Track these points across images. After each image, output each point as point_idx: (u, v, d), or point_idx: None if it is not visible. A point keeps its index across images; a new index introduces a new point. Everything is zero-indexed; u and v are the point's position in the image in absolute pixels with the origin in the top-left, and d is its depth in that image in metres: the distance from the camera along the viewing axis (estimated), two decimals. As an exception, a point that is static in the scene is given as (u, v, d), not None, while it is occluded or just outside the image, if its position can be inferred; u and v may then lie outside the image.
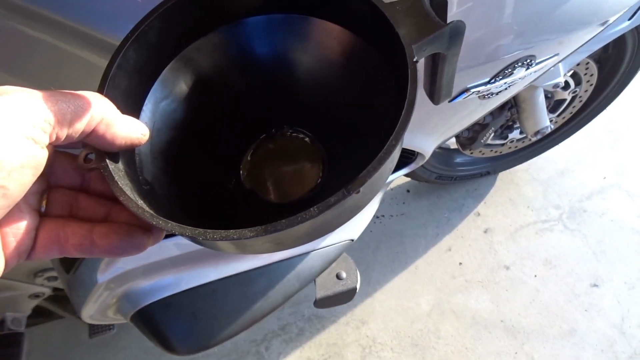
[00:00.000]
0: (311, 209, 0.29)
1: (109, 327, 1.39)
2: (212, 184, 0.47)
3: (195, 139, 0.46)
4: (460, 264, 1.82)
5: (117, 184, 0.33)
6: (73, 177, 0.36)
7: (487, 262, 1.82)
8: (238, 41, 0.45)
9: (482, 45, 0.80)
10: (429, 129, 0.97)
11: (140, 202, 0.34)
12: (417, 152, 1.05)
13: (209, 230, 0.30)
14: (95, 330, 1.38)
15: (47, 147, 0.30)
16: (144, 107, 0.41)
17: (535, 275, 1.77)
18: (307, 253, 1.03)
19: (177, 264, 0.89)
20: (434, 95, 0.43)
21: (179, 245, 0.86)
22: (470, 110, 0.98)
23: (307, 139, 0.50)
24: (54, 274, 1.13)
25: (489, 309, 1.71)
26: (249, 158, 0.50)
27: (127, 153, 0.38)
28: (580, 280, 1.75)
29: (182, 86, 0.44)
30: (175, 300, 0.91)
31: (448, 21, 0.36)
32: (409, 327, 1.69)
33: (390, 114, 0.33)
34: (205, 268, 0.93)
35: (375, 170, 0.30)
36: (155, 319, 0.91)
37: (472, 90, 0.84)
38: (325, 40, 0.44)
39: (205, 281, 0.93)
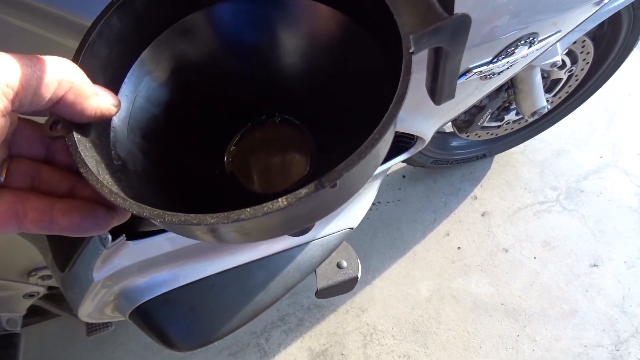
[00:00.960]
0: (279, 199, 0.27)
1: (106, 325, 1.37)
2: (194, 169, 0.45)
3: (178, 119, 0.44)
4: (459, 248, 1.81)
5: (80, 154, 0.31)
6: (37, 147, 0.34)
7: (485, 246, 1.81)
8: (226, 20, 0.43)
9: (479, 25, 0.78)
10: (429, 112, 0.95)
11: (106, 177, 0.32)
12: (417, 137, 1.03)
13: (168, 213, 0.28)
14: (92, 328, 1.36)
15: (9, 114, 0.28)
16: (126, 80, 0.39)
17: (535, 257, 1.77)
18: (307, 243, 1.01)
19: (174, 259, 0.88)
20: (435, 94, 0.41)
21: (175, 240, 0.84)
22: (471, 92, 0.96)
23: (296, 128, 0.48)
24: (47, 272, 1.11)
25: (489, 292, 1.70)
26: (234, 145, 0.48)
27: (101, 125, 0.36)
28: (579, 260, 1.75)
29: (168, 63, 0.42)
30: (173, 296, 0.90)
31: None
32: (409, 313, 1.68)
33: (383, 106, 0.30)
34: (203, 262, 0.92)
35: (353, 164, 0.28)
36: (154, 315, 0.89)
37: (474, 70, 0.83)
38: (318, 23, 0.42)
39: (203, 275, 0.92)
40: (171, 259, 0.87)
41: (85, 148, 0.32)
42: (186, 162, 0.44)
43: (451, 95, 0.41)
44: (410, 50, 0.31)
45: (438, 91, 0.40)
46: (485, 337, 1.62)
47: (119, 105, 0.35)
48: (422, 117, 0.95)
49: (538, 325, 1.63)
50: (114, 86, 0.38)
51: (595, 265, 1.73)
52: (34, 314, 1.38)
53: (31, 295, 1.18)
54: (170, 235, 0.83)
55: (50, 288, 1.21)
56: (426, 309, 1.69)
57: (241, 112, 0.48)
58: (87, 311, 0.91)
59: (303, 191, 0.27)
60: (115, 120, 0.37)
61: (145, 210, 0.29)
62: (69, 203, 0.32)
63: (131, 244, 0.79)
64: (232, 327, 0.92)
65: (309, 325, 1.69)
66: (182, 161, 0.43)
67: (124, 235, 0.77)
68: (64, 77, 0.30)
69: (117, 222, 0.34)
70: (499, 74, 0.90)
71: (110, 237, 0.75)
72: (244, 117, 0.48)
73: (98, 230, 0.33)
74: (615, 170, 1.95)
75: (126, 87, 0.39)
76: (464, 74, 0.83)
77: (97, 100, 0.32)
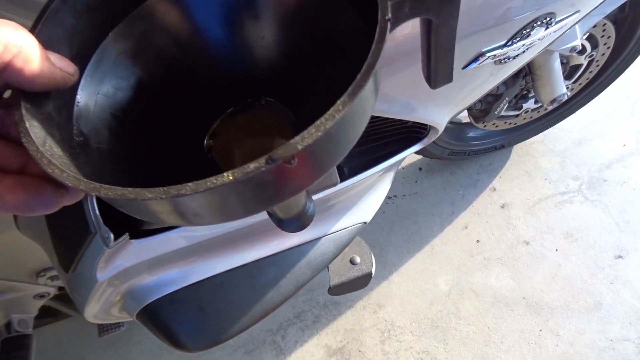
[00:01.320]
0: (224, 173, 0.24)
1: (118, 325, 1.37)
2: (169, 153, 0.42)
3: (153, 98, 0.41)
4: (478, 241, 1.77)
5: (25, 124, 0.29)
6: None
7: (505, 238, 1.77)
8: None
9: (492, 6, 0.74)
10: (442, 100, 0.92)
11: (55, 150, 0.30)
12: (430, 126, 0.99)
13: (104, 186, 0.26)
14: (104, 328, 1.35)
15: None
16: (96, 55, 0.36)
17: (557, 250, 1.72)
18: (318, 239, 0.99)
19: (181, 257, 0.86)
20: (430, 77, 0.38)
21: (181, 237, 0.83)
22: (485, 78, 0.92)
23: (280, 111, 0.45)
24: (56, 273, 1.10)
25: (510, 286, 1.66)
26: (215, 129, 0.45)
27: (63, 98, 0.33)
28: (603, 252, 1.69)
29: (143, 40, 0.39)
30: (181, 295, 0.88)
31: None
32: (428, 308, 1.65)
33: None
34: (211, 260, 0.90)
35: (310, 137, 0.25)
36: (162, 316, 0.88)
37: (488, 54, 0.79)
38: None
39: (212, 274, 0.90)
40: (178, 257, 0.86)
41: (34, 119, 0.30)
42: (160, 146, 0.41)
43: (448, 78, 0.37)
44: (387, 17, 0.28)
45: (433, 73, 0.37)
46: (507, 332, 1.58)
47: (75, 75, 0.33)
48: (434, 105, 0.91)
49: (561, 319, 1.58)
50: (82, 60, 0.35)
51: (620, 256, 1.68)
52: (47, 315, 1.38)
53: (42, 296, 1.17)
54: (176, 232, 0.81)
55: (60, 288, 1.20)
56: (445, 304, 1.66)
57: (224, 94, 0.45)
58: (93, 312, 0.89)
59: (252, 165, 0.24)
60: (81, 95, 0.35)
61: (82, 184, 0.26)
62: (16, 180, 0.30)
63: (135, 242, 0.78)
64: (242, 327, 0.91)
65: (325, 322, 1.66)
66: (155, 145, 0.41)
67: (127, 234, 0.75)
68: (10, 41, 0.27)
69: (67, 202, 0.32)
70: (514, 58, 0.86)
71: (112, 235, 0.73)
72: (227, 100, 0.46)
73: (46, 209, 0.31)
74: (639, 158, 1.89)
75: (95, 61, 0.36)
76: (477, 58, 0.79)
77: (50, 67, 0.30)
